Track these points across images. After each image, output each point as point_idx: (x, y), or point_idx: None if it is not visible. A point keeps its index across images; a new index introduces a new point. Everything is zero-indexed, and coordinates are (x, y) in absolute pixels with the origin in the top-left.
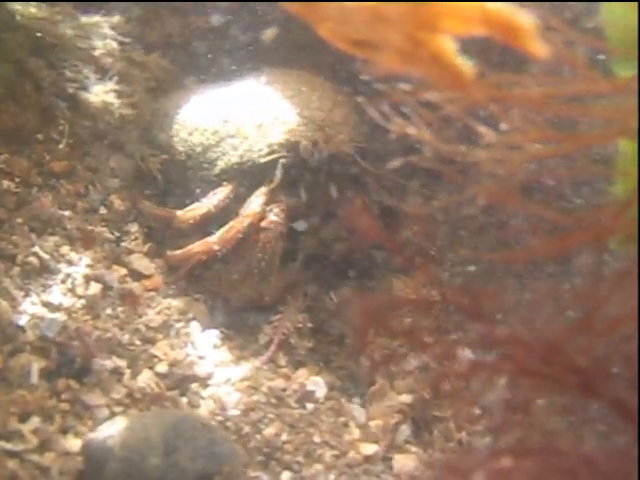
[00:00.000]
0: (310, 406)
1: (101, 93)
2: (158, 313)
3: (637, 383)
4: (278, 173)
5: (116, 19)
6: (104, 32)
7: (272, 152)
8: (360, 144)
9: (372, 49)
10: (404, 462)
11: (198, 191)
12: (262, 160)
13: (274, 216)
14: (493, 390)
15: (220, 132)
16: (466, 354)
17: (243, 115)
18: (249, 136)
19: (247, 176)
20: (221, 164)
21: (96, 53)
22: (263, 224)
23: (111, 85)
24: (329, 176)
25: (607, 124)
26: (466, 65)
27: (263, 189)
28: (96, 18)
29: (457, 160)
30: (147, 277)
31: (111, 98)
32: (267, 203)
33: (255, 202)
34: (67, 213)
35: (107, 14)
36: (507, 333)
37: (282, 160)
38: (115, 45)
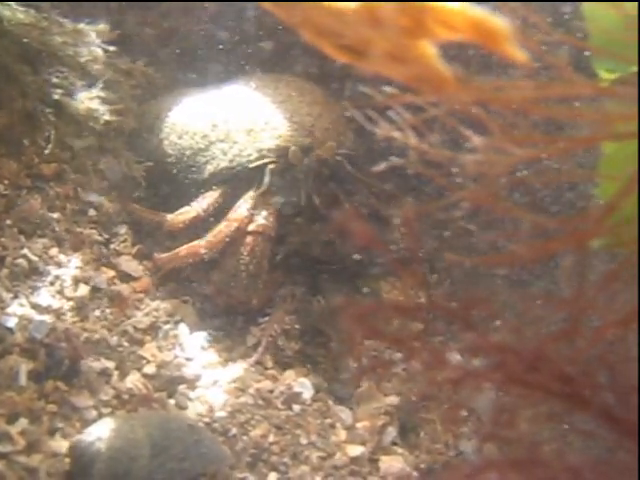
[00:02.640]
0: (297, 408)
1: (86, 100)
2: (146, 315)
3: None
4: (266, 178)
5: (101, 27)
6: (90, 39)
7: (262, 157)
8: (349, 149)
9: (357, 53)
10: (390, 463)
11: (188, 194)
12: (251, 165)
13: (263, 220)
14: (480, 393)
15: (210, 136)
16: (454, 357)
17: (233, 120)
18: (239, 141)
19: (236, 181)
20: (210, 168)
21: (82, 60)
22: (252, 228)
23: (96, 92)
24: (318, 181)
25: (593, 127)
26: (448, 69)
27: (251, 193)
28: (82, 25)
29: (443, 164)
30: (135, 279)
31: (96, 105)
32: (255, 207)
33: (243, 206)
34: (56, 215)
35: (93, 22)
36: (494, 341)
37: (270, 165)
38: (100, 52)
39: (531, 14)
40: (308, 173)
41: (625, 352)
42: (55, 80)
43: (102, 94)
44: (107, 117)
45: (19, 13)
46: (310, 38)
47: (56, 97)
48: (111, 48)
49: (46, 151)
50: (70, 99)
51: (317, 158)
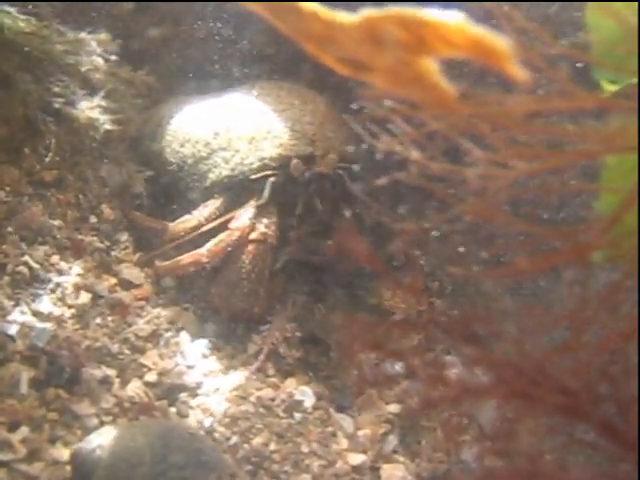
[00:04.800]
0: (298, 416)
1: (87, 109)
2: (147, 322)
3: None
4: (267, 191)
5: (102, 36)
6: (91, 49)
7: (263, 166)
8: (350, 159)
9: (358, 67)
10: (392, 472)
11: (189, 203)
12: (253, 175)
13: (264, 228)
14: (482, 402)
15: (212, 144)
16: (456, 367)
17: (235, 128)
18: (240, 149)
19: (238, 189)
20: (212, 177)
21: (83, 69)
22: (253, 236)
23: (97, 101)
24: (319, 191)
25: (594, 140)
26: (449, 85)
27: (253, 202)
28: (83, 35)
29: (444, 177)
30: (137, 286)
31: (97, 114)
32: (257, 216)
33: (245, 215)
34: (57, 222)
35: (94, 31)
36: (495, 354)
37: (272, 178)
38: (101, 61)
39: (533, 25)
40: (309, 184)
41: (626, 364)
42: (56, 89)
43: (103, 103)
44: (108, 126)
45: (20, 21)
46: (311, 50)
47: (57, 106)
48: (112, 57)
49: (46, 159)
50: (71, 108)
51: (319, 170)
